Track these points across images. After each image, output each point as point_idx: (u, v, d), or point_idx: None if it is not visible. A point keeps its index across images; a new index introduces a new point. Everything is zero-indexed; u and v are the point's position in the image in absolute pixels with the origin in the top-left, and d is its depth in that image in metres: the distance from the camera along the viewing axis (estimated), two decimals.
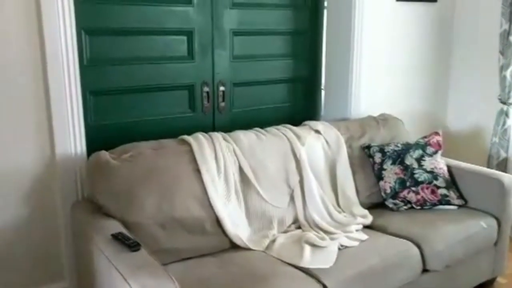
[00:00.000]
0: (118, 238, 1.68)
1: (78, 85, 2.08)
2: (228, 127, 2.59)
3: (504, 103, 3.08)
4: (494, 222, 2.44)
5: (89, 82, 2.23)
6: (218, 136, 2.27)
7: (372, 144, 2.63)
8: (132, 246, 1.62)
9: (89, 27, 2.20)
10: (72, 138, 2.08)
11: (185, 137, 2.22)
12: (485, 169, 2.63)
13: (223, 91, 2.68)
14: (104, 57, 2.28)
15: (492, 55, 3.11)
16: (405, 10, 3.08)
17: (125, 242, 1.65)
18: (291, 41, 2.91)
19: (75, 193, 2.11)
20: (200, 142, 2.18)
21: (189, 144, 2.16)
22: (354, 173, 2.58)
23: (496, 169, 3.01)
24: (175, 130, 2.40)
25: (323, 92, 3.14)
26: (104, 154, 2.01)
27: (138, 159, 2.01)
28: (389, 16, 3.02)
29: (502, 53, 3.02)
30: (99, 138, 2.27)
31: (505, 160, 3.14)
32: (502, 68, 3.04)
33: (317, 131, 2.57)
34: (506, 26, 2.97)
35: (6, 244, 2.03)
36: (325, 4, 3.01)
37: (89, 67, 2.23)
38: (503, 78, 3.05)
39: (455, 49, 3.41)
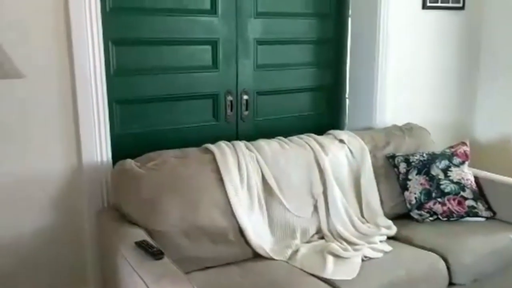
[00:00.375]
0: (142, 246, 1.70)
1: (104, 94, 2.12)
2: (251, 136, 2.60)
3: None
4: None
5: (115, 92, 2.27)
6: (241, 145, 2.28)
7: (397, 154, 2.60)
8: (156, 254, 1.64)
9: (115, 38, 2.24)
10: (98, 147, 2.11)
11: (209, 145, 2.23)
12: None
13: (247, 100, 2.70)
14: (130, 67, 2.32)
15: None
16: (431, 17, 3.05)
17: (149, 250, 1.66)
18: (315, 49, 2.91)
19: (100, 201, 2.15)
20: (223, 151, 2.19)
21: (212, 153, 2.17)
22: (378, 183, 2.55)
23: None
24: (199, 139, 2.42)
25: (347, 101, 3.12)
26: (129, 163, 2.03)
27: (162, 168, 2.03)
28: (415, 24, 2.99)
29: None
30: (125, 146, 2.30)
31: None
32: None
33: (341, 141, 2.55)
34: None
35: (32, 250, 2.07)
36: (350, 12, 3.00)
37: (115, 77, 2.27)
38: None
39: (483, 57, 3.35)
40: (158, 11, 2.34)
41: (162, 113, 2.45)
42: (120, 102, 2.31)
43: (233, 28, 2.57)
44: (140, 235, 1.82)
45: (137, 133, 2.39)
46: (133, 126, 2.37)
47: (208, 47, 2.54)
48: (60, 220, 2.11)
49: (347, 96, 3.11)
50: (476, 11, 3.25)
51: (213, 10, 2.51)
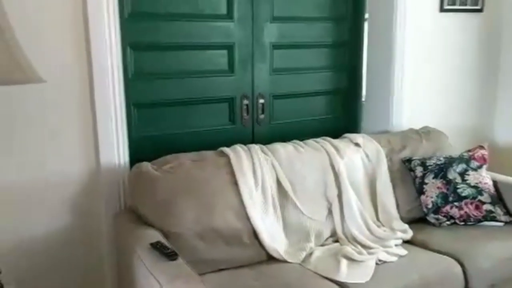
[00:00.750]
0: (156, 247, 1.73)
1: (122, 98, 2.16)
2: (267, 140, 2.62)
3: None
4: None
5: (133, 95, 2.32)
6: (256, 148, 2.30)
7: (414, 158, 2.58)
8: (170, 255, 1.66)
9: (134, 43, 2.29)
10: (116, 149, 2.16)
11: (224, 149, 2.26)
12: None
13: (263, 104, 2.71)
14: (148, 71, 2.36)
15: None
16: (449, 20, 3.02)
17: (164, 251, 1.69)
18: (331, 53, 2.92)
19: (117, 203, 2.19)
20: (239, 154, 2.21)
21: (227, 156, 2.20)
22: (394, 187, 2.53)
23: None
24: (215, 142, 2.45)
25: (363, 105, 3.12)
26: (146, 165, 2.07)
27: (178, 171, 2.06)
28: (432, 26, 2.97)
29: None
30: (142, 149, 2.35)
31: None
32: None
33: (357, 144, 2.54)
34: None
35: (50, 251, 2.12)
36: (366, 15, 3.00)
37: (133, 81, 2.31)
38: None
39: (503, 59, 3.30)
40: (175, 16, 2.38)
41: (179, 116, 2.49)
42: (138, 106, 2.36)
43: (249, 32, 2.60)
44: (156, 236, 1.86)
45: (155, 136, 2.43)
46: (150, 129, 2.42)
47: (225, 52, 2.57)
48: (78, 221, 2.16)
49: (363, 99, 3.10)
50: (495, 13, 3.21)
51: (229, 15, 2.54)
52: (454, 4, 2.98)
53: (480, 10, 3.12)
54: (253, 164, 2.21)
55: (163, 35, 2.36)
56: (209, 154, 2.22)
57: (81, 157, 2.12)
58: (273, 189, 2.23)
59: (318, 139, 2.53)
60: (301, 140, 2.53)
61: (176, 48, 2.41)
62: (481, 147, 2.61)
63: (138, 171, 2.06)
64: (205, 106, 2.56)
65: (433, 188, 2.47)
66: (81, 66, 2.06)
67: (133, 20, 2.27)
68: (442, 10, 2.95)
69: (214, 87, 2.56)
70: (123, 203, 2.20)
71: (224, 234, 2.03)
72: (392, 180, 2.54)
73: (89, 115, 2.11)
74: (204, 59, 2.51)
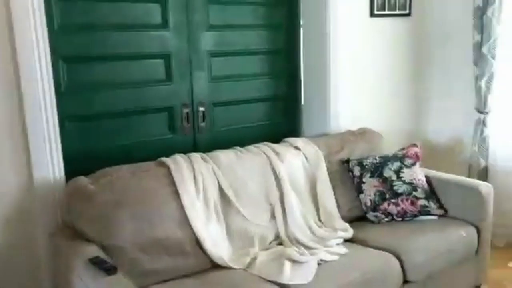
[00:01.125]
0: (95, 262, 1.69)
1: (54, 111, 2.10)
2: (209, 147, 2.62)
3: (481, 112, 3.14)
4: (473, 231, 2.47)
5: (67, 108, 2.26)
6: (197, 156, 2.30)
7: (351, 158, 2.67)
8: (109, 269, 1.63)
9: (65, 55, 2.23)
10: (50, 164, 2.09)
11: (164, 159, 2.24)
12: (463, 178, 2.67)
13: (203, 112, 2.72)
14: (81, 84, 2.31)
15: (467, 65, 3.17)
16: (379, 24, 3.15)
17: (102, 266, 1.66)
18: (269, 60, 2.96)
19: (54, 219, 2.11)
20: (179, 163, 2.20)
21: (167, 166, 2.18)
22: (334, 187, 2.60)
23: (477, 178, 3.05)
24: (156, 153, 2.41)
25: (303, 109, 3.18)
26: (82, 179, 2.02)
27: (116, 184, 2.02)
28: (364, 31, 3.08)
29: (476, 63, 3.09)
30: (78, 163, 2.28)
31: (486, 168, 3.18)
32: (477, 78, 3.10)
33: (297, 148, 2.60)
34: (478, 38, 3.04)
35: None
36: (301, 22, 3.07)
37: (66, 94, 2.25)
38: (478, 88, 3.11)
39: (432, 61, 3.47)
40: (108, 27, 2.34)
41: (116, 128, 2.44)
42: (73, 119, 2.30)
43: (185, 41, 2.60)
44: (95, 252, 1.81)
45: (91, 149, 2.37)
46: (86, 143, 2.36)
47: (161, 61, 2.56)
48: (14, 239, 2.07)
49: (302, 104, 3.17)
50: (423, 17, 3.36)
51: (164, 24, 2.53)
52: (383, 9, 3.11)
53: (408, 15, 3.27)
54: (194, 172, 2.21)
55: (96, 47, 2.32)
56: (148, 165, 2.19)
57: (13, 174, 2.04)
58: (215, 196, 2.23)
59: (259, 145, 2.57)
60: (243, 146, 2.56)
61: (110, 59, 2.38)
62: (414, 145, 2.73)
63: (74, 185, 2.01)
64: (144, 116, 2.54)
65: (370, 187, 2.55)
66: (9, 81, 1.98)
67: (63, 33, 2.22)
68: (372, 15, 3.07)
69: (153, 96, 2.54)
70: (60, 219, 2.13)
71: (166, 245, 2.01)
72: (332, 181, 2.61)
73: (20, 130, 2.03)
74: (141, 69, 2.49)
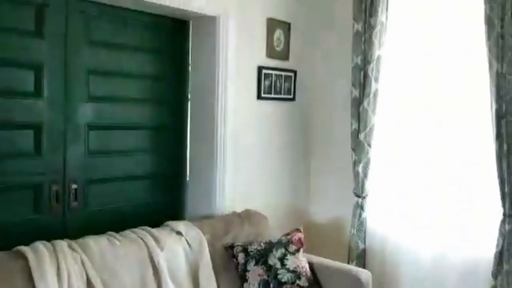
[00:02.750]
0: None
1: None
2: (81, 230, 2.35)
3: (358, 196, 3.26)
4: None
5: None
6: (63, 244, 2.03)
7: (236, 244, 2.56)
8: None
9: None
10: None
11: (22, 248, 1.93)
12: (344, 265, 2.69)
13: (76, 189, 2.46)
14: None
15: (346, 151, 3.32)
16: (266, 107, 3.20)
17: None
18: (153, 135, 2.83)
19: None
20: (39, 254, 1.91)
21: (25, 258, 1.88)
22: (217, 275, 2.47)
23: (356, 261, 3.11)
24: (15, 238, 2.09)
25: (188, 189, 3.04)
26: None
27: None
28: (252, 113, 3.10)
29: (354, 150, 3.24)
30: None
31: (364, 251, 3.26)
32: (355, 164, 3.25)
33: (179, 233, 2.43)
34: (355, 126, 3.22)
35: None
36: (189, 96, 2.99)
37: None
38: (356, 173, 3.25)
39: (314, 145, 3.59)
40: None
41: None
42: None
43: (60, 112, 2.38)
44: None
45: None
46: None
47: (30, 131, 2.30)
48: None
49: (187, 183, 3.04)
50: (305, 102, 3.51)
51: (38, 93, 2.30)
52: (270, 93, 3.19)
53: (292, 99, 3.39)
54: (58, 265, 1.93)
55: None
56: (0, 256, 1.86)
57: None
58: None
59: (136, 229, 2.36)
60: (120, 230, 2.34)
61: None
62: (298, 230, 2.71)
63: None
64: (5, 194, 2.21)
65: (255, 275, 2.46)
66: None
67: None
68: (259, 97, 3.12)
69: (16, 172, 2.24)
70: None
71: None
72: (215, 268, 2.48)
73: None
74: (5, 139, 2.20)
